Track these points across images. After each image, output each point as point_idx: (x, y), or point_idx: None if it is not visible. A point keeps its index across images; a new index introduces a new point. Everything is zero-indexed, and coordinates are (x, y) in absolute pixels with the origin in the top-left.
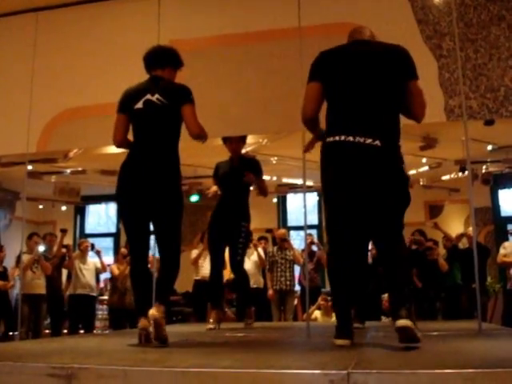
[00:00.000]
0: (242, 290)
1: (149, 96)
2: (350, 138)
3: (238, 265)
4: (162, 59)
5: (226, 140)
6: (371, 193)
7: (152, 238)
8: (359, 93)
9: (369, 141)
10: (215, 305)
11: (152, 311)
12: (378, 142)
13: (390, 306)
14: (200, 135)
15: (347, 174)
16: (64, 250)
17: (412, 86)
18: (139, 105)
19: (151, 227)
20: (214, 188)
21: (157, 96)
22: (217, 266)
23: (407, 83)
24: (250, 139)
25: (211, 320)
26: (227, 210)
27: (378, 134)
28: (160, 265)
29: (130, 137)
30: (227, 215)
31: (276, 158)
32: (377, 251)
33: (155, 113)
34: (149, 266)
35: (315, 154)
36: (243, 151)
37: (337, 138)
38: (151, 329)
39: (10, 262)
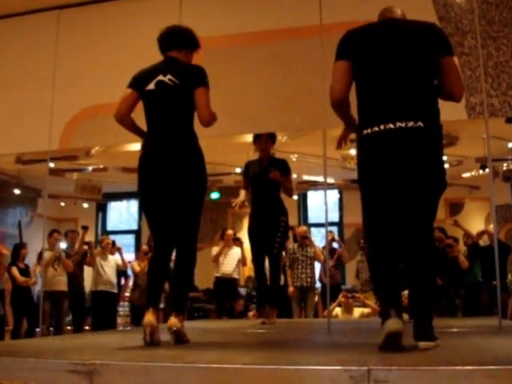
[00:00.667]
0: (274, 285)
1: (161, 77)
2: (391, 126)
3: (274, 259)
4: (178, 40)
5: (255, 139)
6: (418, 178)
7: None
8: (393, 73)
9: (411, 124)
10: (264, 302)
11: (171, 322)
12: (420, 123)
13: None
14: (211, 122)
15: (394, 165)
16: (85, 247)
17: (447, 62)
18: (151, 86)
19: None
20: (242, 198)
21: (169, 76)
22: (260, 267)
23: (441, 60)
24: None
25: (264, 316)
26: (263, 209)
27: (418, 115)
28: (176, 263)
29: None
30: (264, 214)
31: (296, 156)
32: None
33: (167, 94)
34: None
35: (335, 152)
36: None
37: (375, 128)
38: (171, 341)
39: (31, 259)
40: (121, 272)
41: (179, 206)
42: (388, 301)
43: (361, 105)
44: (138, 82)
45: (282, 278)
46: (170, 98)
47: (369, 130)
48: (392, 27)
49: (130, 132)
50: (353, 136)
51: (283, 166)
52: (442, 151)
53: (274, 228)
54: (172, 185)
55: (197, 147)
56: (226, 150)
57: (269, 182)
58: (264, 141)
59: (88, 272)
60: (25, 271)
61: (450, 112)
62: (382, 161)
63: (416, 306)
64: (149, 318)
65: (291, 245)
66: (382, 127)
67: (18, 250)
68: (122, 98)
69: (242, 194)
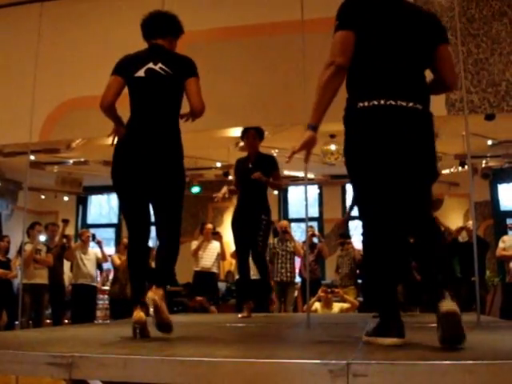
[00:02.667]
0: (261, 280)
1: (151, 65)
2: (391, 102)
3: (258, 255)
4: (163, 27)
5: (243, 136)
6: (414, 161)
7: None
8: (399, 50)
9: (411, 104)
10: (246, 297)
11: (150, 294)
12: (418, 106)
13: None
14: (202, 112)
15: (391, 142)
16: (64, 241)
17: (444, 49)
18: (140, 73)
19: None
20: (223, 191)
21: (160, 65)
22: (243, 260)
23: (440, 47)
24: None
25: (245, 310)
26: (247, 207)
27: (417, 97)
28: (158, 248)
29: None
30: (247, 211)
31: (277, 151)
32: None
33: (158, 83)
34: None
35: (316, 147)
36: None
37: (375, 102)
38: (152, 313)
39: (11, 252)
40: (98, 265)
41: (163, 195)
42: (388, 310)
43: (357, 77)
44: (124, 69)
45: None
46: (160, 86)
47: (365, 103)
48: (398, 4)
49: (112, 120)
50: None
51: (271, 163)
52: (434, 138)
53: (255, 226)
54: (154, 173)
55: (179, 139)
56: (207, 145)
57: (255, 180)
58: (251, 136)
59: (68, 265)
60: (5, 264)
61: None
62: (379, 137)
63: (435, 273)
64: (138, 314)
65: (271, 239)
66: (382, 102)
67: None
68: (108, 86)
69: (224, 188)
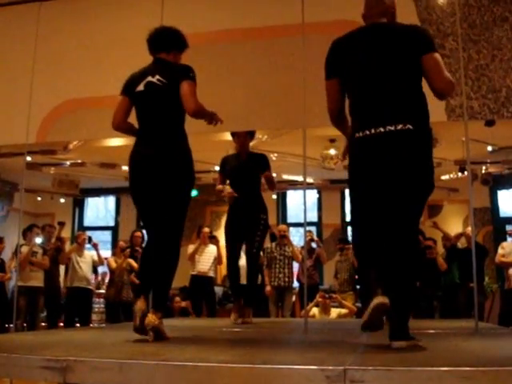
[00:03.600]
0: (250, 284)
1: (150, 78)
2: (381, 129)
3: (252, 257)
4: (166, 42)
5: (233, 134)
6: (407, 180)
7: None
8: (380, 78)
9: (400, 126)
10: (236, 299)
11: (149, 319)
12: (409, 126)
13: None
14: (198, 112)
15: (384, 167)
16: (58, 243)
17: (427, 58)
18: (140, 87)
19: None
20: (228, 189)
21: (157, 77)
22: (234, 262)
23: (422, 57)
24: None
25: (233, 314)
26: (243, 205)
27: (407, 117)
28: (156, 263)
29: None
30: (244, 210)
31: (276, 155)
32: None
33: (156, 94)
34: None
35: (314, 151)
36: None
37: (367, 132)
38: (149, 338)
39: (7, 254)
40: (93, 268)
41: (165, 203)
42: (375, 282)
43: (352, 111)
44: (128, 87)
45: (260, 276)
46: (158, 97)
47: (360, 134)
48: (375, 34)
49: (130, 136)
50: None
51: (262, 161)
52: (431, 152)
53: (253, 226)
54: (160, 182)
55: (185, 146)
56: (205, 148)
57: (248, 176)
58: (242, 135)
59: (64, 268)
60: (1, 266)
61: (429, 114)
62: (372, 163)
63: (392, 304)
64: (140, 304)
65: (269, 244)
66: (372, 131)
67: None
68: (116, 107)
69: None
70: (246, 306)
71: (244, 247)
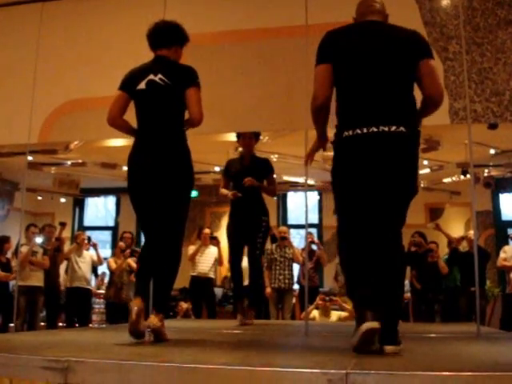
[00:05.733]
0: (254, 285)
1: (151, 76)
2: (374, 129)
3: (255, 259)
4: (167, 37)
5: (238, 136)
6: (395, 184)
7: None
8: (376, 75)
9: (393, 128)
10: (240, 301)
11: (150, 320)
12: (402, 128)
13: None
14: (200, 123)
15: (374, 168)
16: (56, 243)
17: (423, 64)
18: (141, 85)
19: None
20: (231, 192)
21: (160, 76)
22: (237, 265)
23: (419, 62)
24: None
25: (239, 316)
26: (245, 208)
27: (400, 119)
28: (158, 263)
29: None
30: (246, 213)
31: (277, 156)
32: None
33: (158, 94)
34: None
35: (318, 153)
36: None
37: (358, 130)
38: (149, 336)
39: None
40: (92, 269)
41: (165, 205)
42: (363, 302)
43: (342, 106)
44: (128, 83)
45: None
46: (160, 97)
47: (350, 132)
48: (373, 29)
49: (124, 133)
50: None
51: (265, 166)
52: (418, 157)
53: (255, 228)
54: (159, 183)
55: (185, 147)
56: (206, 149)
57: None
58: (247, 137)
59: (64, 268)
60: (5, 265)
61: (432, 116)
62: (362, 164)
63: (384, 310)
64: (136, 301)
65: (269, 245)
66: (364, 130)
67: (2, 243)
68: (113, 102)
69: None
70: (249, 308)
71: (246, 249)
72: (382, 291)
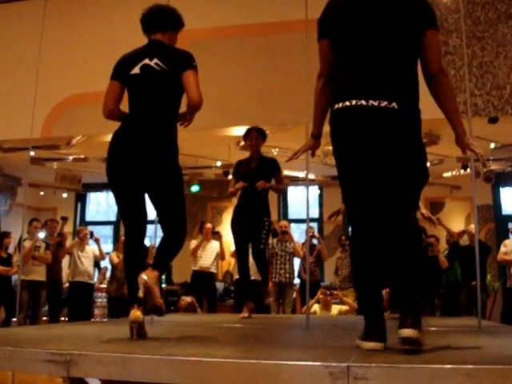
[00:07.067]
0: (262, 279)
1: (147, 61)
2: (363, 102)
3: (260, 253)
4: (162, 21)
5: (245, 137)
6: (388, 164)
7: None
8: (370, 46)
9: (384, 103)
10: (247, 297)
11: (143, 276)
12: (394, 105)
13: (391, 298)
14: (201, 104)
15: (361, 145)
16: (58, 238)
17: (429, 35)
18: (136, 70)
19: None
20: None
21: (155, 61)
22: (243, 261)
23: (424, 32)
24: None
25: (245, 311)
26: (249, 209)
27: (394, 94)
28: (163, 237)
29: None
30: (249, 214)
31: (277, 150)
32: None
33: (153, 79)
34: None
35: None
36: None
37: (347, 103)
38: (141, 292)
39: (9, 248)
40: (94, 263)
41: (156, 191)
42: (372, 314)
43: (336, 80)
44: (121, 69)
45: None
46: (156, 83)
47: (340, 105)
48: None
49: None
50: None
51: (273, 166)
52: (419, 138)
53: (258, 228)
54: (145, 168)
55: (174, 143)
56: (208, 143)
57: (257, 182)
58: (254, 137)
59: (66, 262)
60: (7, 260)
61: (432, 110)
62: (351, 139)
63: (402, 289)
64: (134, 314)
65: (270, 240)
66: (353, 102)
67: (2, 238)
68: (107, 92)
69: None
70: (252, 302)
71: (250, 245)
72: (402, 270)
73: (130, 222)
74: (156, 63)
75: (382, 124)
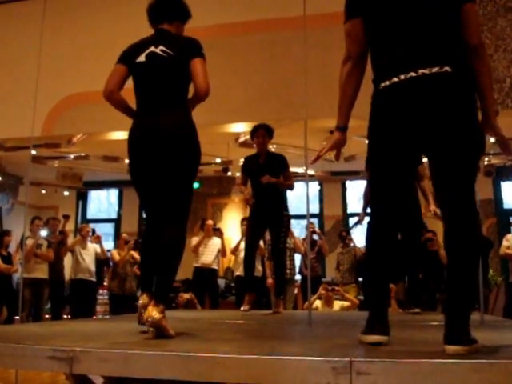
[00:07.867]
0: (278, 278)
1: (152, 48)
2: (412, 74)
3: (279, 252)
4: (169, 12)
5: (253, 134)
6: (447, 136)
7: None
8: (410, 19)
9: (435, 69)
10: (249, 289)
11: (149, 313)
12: (447, 68)
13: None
14: (207, 95)
15: (419, 120)
16: (60, 236)
17: (467, 10)
18: (141, 58)
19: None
20: (249, 190)
21: (161, 47)
22: (250, 257)
23: (463, 5)
24: (250, 127)
25: (246, 303)
26: (266, 205)
27: (444, 59)
28: (161, 249)
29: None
30: (267, 210)
31: (276, 146)
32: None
33: (159, 66)
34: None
35: (316, 143)
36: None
37: (395, 79)
38: (150, 335)
39: (12, 247)
40: (103, 261)
41: (170, 182)
42: (376, 308)
43: (377, 57)
44: (127, 56)
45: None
46: (162, 69)
47: (387, 82)
48: None
49: (120, 111)
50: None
51: (281, 162)
52: (476, 104)
53: (277, 223)
54: (163, 161)
55: (190, 122)
56: (207, 140)
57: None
58: (261, 135)
59: (68, 260)
60: (7, 258)
61: None
62: (403, 118)
63: (450, 302)
64: (143, 300)
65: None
66: (402, 77)
67: (2, 236)
68: (111, 74)
69: (246, 188)
70: (277, 298)
71: (269, 242)
72: (452, 277)
73: (149, 216)
74: (162, 50)
75: (437, 92)
